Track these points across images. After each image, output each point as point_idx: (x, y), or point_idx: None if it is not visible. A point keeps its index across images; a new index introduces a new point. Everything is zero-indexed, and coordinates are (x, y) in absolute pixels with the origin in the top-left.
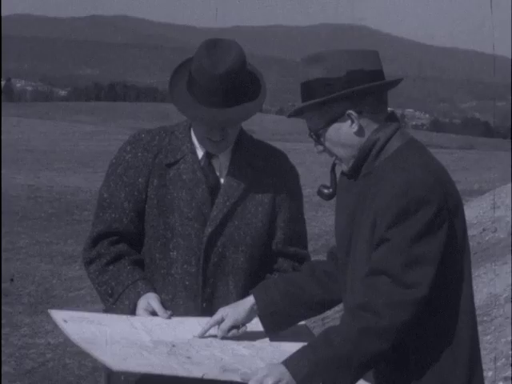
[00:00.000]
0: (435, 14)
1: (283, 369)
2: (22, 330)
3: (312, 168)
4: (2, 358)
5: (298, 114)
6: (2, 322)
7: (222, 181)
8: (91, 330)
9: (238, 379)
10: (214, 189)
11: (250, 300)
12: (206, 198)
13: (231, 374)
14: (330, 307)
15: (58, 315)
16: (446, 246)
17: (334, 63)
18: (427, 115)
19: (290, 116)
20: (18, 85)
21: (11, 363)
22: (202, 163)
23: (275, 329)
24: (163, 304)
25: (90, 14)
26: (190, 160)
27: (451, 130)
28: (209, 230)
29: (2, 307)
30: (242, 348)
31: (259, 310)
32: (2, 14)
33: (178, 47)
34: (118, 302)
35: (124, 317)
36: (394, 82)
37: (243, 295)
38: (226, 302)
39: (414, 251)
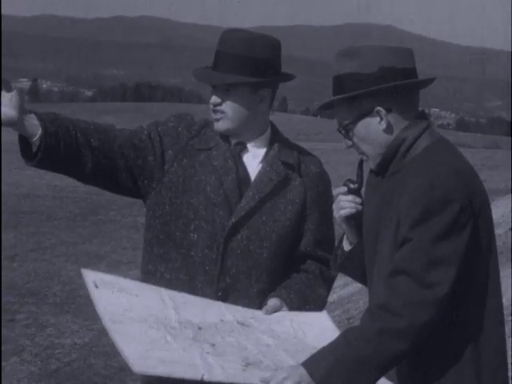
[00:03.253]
0: (462, 13)
1: (302, 371)
2: (47, 329)
3: (337, 168)
4: (28, 358)
5: (327, 107)
6: (28, 321)
7: (251, 174)
8: (120, 300)
9: (258, 382)
10: (242, 180)
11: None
12: (234, 187)
13: (252, 370)
14: None
15: (90, 277)
16: (470, 247)
17: (367, 59)
18: (453, 114)
19: (319, 109)
20: (44, 85)
21: (37, 363)
22: (233, 152)
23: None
24: (181, 286)
25: (115, 14)
26: (223, 148)
27: (477, 129)
28: (233, 219)
29: (28, 307)
30: (267, 337)
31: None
32: (28, 15)
33: (202, 47)
34: None
35: (154, 288)
36: (425, 81)
37: (264, 291)
38: (247, 296)
39: (436, 251)
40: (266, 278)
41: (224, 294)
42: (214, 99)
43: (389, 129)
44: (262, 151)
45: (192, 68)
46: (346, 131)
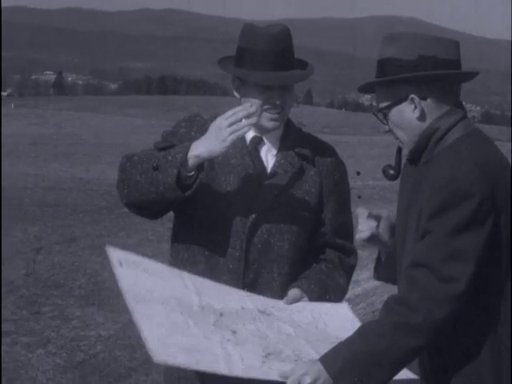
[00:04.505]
0: (487, 6)
1: (320, 366)
2: (73, 322)
3: (362, 161)
4: (54, 350)
5: (365, 90)
6: (53, 313)
7: (267, 167)
8: (144, 280)
9: (277, 378)
10: (260, 175)
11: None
12: (253, 183)
13: (272, 362)
14: None
15: (115, 254)
16: (491, 241)
17: (409, 45)
18: (478, 107)
19: (359, 90)
20: (69, 78)
21: (62, 355)
22: (249, 148)
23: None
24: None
25: (140, 7)
26: (239, 145)
27: (502, 122)
28: (253, 215)
29: (54, 299)
30: (288, 326)
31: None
32: (54, 7)
33: (227, 40)
34: (171, 149)
35: (177, 272)
36: (464, 75)
37: (287, 283)
38: (270, 289)
39: (453, 244)
40: (288, 269)
41: (249, 290)
42: (278, 99)
43: (422, 117)
44: (277, 143)
45: (216, 60)
46: (383, 116)
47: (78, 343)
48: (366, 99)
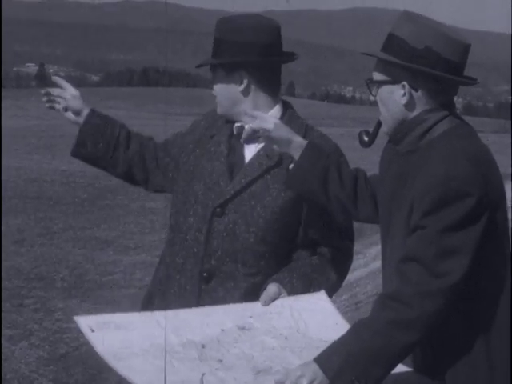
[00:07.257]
0: None
1: (315, 367)
2: (55, 314)
3: (345, 152)
4: (37, 343)
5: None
6: (36, 306)
7: (246, 158)
8: (119, 338)
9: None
10: (235, 164)
11: (302, 142)
12: (223, 171)
13: (264, 376)
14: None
15: (85, 322)
16: (485, 238)
17: (420, 32)
18: (460, 99)
19: (363, 53)
20: (51, 70)
21: (45, 348)
22: (232, 138)
23: (290, 185)
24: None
25: None
26: (222, 133)
27: (484, 113)
28: (216, 201)
29: (37, 292)
30: (270, 339)
31: (297, 160)
32: None
33: (209, 32)
34: None
35: (149, 315)
36: (459, 82)
37: (252, 275)
38: (233, 278)
39: (447, 241)
40: (253, 262)
41: (208, 276)
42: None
43: (408, 106)
44: None
45: (199, 53)
46: (375, 86)
47: (61, 335)
48: (348, 91)
